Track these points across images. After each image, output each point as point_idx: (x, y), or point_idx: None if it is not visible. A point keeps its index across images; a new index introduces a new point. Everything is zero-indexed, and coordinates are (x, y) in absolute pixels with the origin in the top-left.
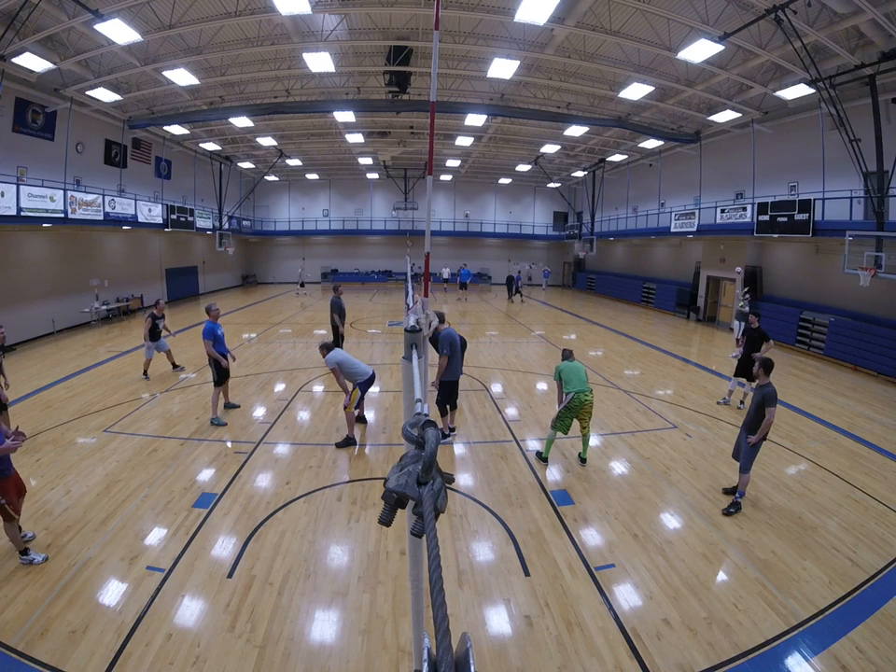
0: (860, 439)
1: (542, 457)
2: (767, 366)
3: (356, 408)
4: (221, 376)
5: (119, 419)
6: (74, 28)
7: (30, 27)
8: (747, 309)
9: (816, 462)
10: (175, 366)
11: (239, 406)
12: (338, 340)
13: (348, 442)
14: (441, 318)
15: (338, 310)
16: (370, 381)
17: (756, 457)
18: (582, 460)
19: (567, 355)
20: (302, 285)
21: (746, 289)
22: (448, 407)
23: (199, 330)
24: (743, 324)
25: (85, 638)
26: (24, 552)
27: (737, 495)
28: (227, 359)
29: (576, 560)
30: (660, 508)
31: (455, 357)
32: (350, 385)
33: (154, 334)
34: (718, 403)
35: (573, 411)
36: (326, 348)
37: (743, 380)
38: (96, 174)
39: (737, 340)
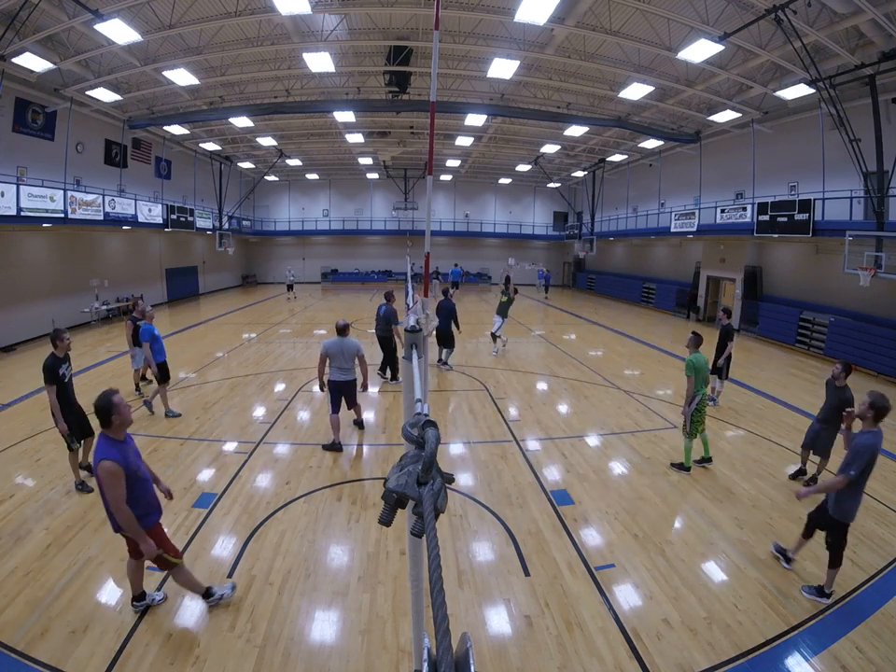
0: None
1: (686, 467)
2: (850, 369)
3: (334, 412)
4: (164, 375)
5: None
6: (74, 28)
7: (30, 27)
8: (506, 298)
9: (816, 462)
10: (143, 378)
11: (180, 415)
12: (394, 351)
13: (333, 447)
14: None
15: (395, 318)
16: (339, 385)
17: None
18: (708, 460)
19: (697, 342)
20: (290, 288)
21: (507, 279)
22: None
23: (199, 331)
24: (504, 319)
25: (85, 638)
26: (140, 596)
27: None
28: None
29: (576, 560)
30: (660, 508)
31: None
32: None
33: (139, 339)
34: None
35: (701, 412)
36: (339, 330)
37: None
38: (96, 174)
39: (494, 336)
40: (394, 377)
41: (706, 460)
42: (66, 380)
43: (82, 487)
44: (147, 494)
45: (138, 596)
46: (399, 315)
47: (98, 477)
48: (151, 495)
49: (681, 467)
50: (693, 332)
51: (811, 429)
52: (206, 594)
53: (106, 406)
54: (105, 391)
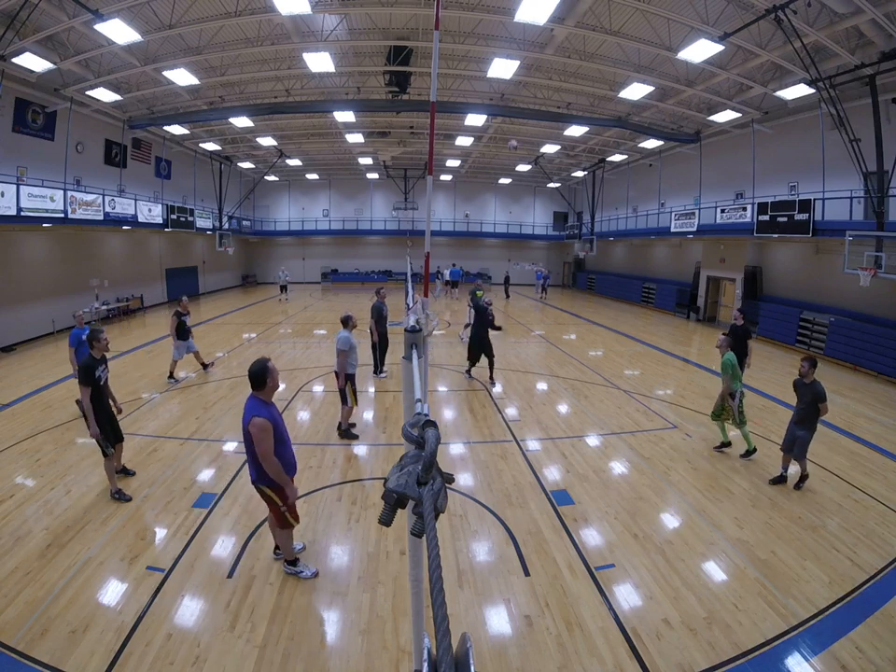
0: (860, 439)
1: (750, 450)
2: (815, 364)
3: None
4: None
5: (118, 419)
6: (74, 28)
7: (30, 27)
8: (482, 293)
9: (816, 462)
10: (204, 365)
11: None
12: (375, 347)
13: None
14: None
15: (376, 315)
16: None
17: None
18: (728, 444)
19: (731, 342)
20: (283, 289)
21: (478, 281)
22: None
23: (199, 331)
24: (470, 310)
25: (85, 638)
26: (293, 562)
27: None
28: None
29: (576, 560)
30: (660, 508)
31: None
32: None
33: (182, 332)
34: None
35: (743, 403)
36: (344, 323)
37: None
38: (96, 174)
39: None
40: (375, 370)
41: (725, 445)
42: (102, 382)
43: (119, 496)
44: (287, 452)
45: (293, 562)
46: (393, 313)
47: (249, 433)
48: (290, 453)
49: (748, 453)
50: (724, 333)
51: (789, 433)
52: (292, 562)
53: (261, 371)
54: (261, 358)
